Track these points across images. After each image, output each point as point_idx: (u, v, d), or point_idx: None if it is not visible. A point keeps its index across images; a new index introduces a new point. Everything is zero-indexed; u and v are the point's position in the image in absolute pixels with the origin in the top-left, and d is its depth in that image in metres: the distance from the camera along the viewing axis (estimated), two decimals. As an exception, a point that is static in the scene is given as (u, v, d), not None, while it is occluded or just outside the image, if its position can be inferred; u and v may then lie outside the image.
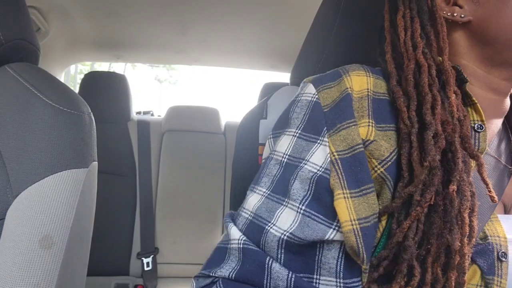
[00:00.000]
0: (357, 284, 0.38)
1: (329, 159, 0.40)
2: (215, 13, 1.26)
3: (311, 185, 0.39)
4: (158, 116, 1.87)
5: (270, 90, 1.44)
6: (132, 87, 1.67)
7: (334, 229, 0.38)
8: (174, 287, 1.53)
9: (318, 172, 0.39)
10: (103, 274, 1.45)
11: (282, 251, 0.38)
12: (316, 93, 0.44)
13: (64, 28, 1.35)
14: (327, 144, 0.40)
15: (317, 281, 0.38)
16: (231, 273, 0.39)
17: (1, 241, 0.47)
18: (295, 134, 0.43)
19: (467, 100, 0.43)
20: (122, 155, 1.58)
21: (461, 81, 0.43)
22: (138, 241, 1.53)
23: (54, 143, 0.50)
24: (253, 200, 0.43)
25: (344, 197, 0.38)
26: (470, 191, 0.37)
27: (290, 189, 0.40)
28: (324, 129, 0.41)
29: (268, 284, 0.38)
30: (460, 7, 0.43)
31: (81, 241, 0.55)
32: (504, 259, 0.40)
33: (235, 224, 0.43)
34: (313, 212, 0.38)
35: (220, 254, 0.42)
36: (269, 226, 0.39)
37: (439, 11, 0.44)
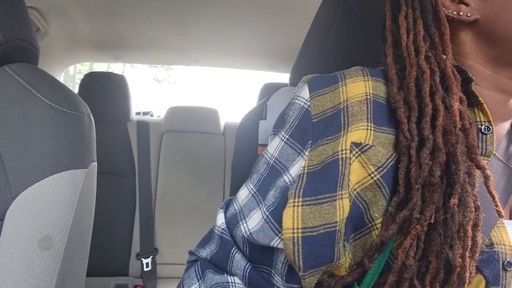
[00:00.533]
0: None
1: (299, 172, 0.41)
2: (215, 13, 1.26)
3: (280, 194, 0.42)
4: (158, 116, 1.87)
5: (269, 90, 1.44)
6: (131, 87, 1.67)
7: (279, 237, 0.40)
8: (174, 287, 1.53)
9: (288, 183, 0.42)
10: (102, 275, 1.45)
11: (247, 246, 0.43)
12: (309, 99, 0.44)
13: (64, 28, 1.35)
14: (305, 158, 0.42)
15: (273, 275, 0.43)
16: (208, 255, 0.46)
17: (0, 241, 0.47)
18: (283, 138, 0.45)
19: (473, 101, 0.42)
20: (122, 156, 1.58)
21: (466, 81, 0.41)
22: (138, 242, 1.53)
23: (53, 144, 0.50)
24: (243, 194, 0.47)
25: (294, 205, 0.39)
26: (474, 203, 0.36)
27: (267, 194, 0.43)
28: (309, 142, 0.42)
29: (230, 270, 0.44)
30: (466, 5, 0.41)
31: (81, 242, 0.55)
32: (509, 269, 0.38)
33: (226, 211, 0.48)
34: (271, 219, 0.41)
35: (210, 235, 0.48)
36: (242, 222, 0.44)
37: (441, 11, 0.42)
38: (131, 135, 1.61)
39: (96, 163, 0.57)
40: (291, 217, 0.39)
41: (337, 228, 0.38)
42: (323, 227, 0.38)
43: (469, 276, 0.35)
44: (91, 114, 0.57)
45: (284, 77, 2.03)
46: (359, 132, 0.40)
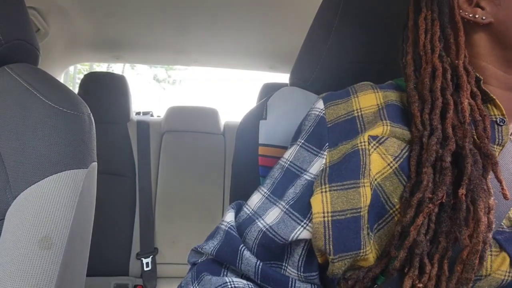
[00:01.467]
0: (314, 276, 0.43)
1: (322, 168, 0.44)
2: (214, 14, 1.26)
3: (302, 189, 0.44)
4: (158, 116, 1.87)
5: (269, 90, 1.44)
6: (131, 87, 1.67)
7: (302, 226, 0.42)
8: (174, 287, 1.53)
9: (310, 180, 0.44)
10: (102, 275, 1.45)
11: (256, 243, 0.44)
12: (323, 109, 0.48)
13: (64, 28, 1.35)
14: (325, 157, 0.44)
15: (285, 268, 0.44)
16: (213, 250, 0.46)
17: (0, 241, 0.47)
18: (298, 143, 0.47)
19: (485, 98, 0.44)
20: (122, 156, 1.58)
21: (477, 80, 0.44)
22: (138, 242, 1.53)
23: (53, 144, 0.50)
24: (255, 199, 0.47)
25: (321, 192, 0.41)
26: (484, 189, 0.38)
27: (285, 193, 0.44)
28: (326, 145, 0.45)
29: (240, 267, 0.44)
30: (482, 8, 0.44)
31: (81, 242, 0.55)
32: None
33: (236, 213, 0.49)
34: (292, 211, 0.43)
35: (215, 232, 0.48)
36: (259, 220, 0.44)
37: (458, 14, 0.44)
38: (131, 135, 1.61)
39: (96, 163, 0.57)
40: (321, 201, 0.41)
41: (362, 213, 0.40)
42: (349, 212, 0.40)
43: (479, 256, 0.37)
44: (91, 114, 0.57)
45: (284, 77, 2.03)
46: (377, 129, 0.43)
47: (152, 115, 1.84)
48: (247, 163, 0.64)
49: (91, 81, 1.57)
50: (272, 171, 0.49)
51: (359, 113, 0.45)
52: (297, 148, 0.47)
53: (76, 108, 0.54)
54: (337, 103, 0.47)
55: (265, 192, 0.47)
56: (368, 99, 0.46)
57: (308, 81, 0.66)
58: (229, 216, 0.48)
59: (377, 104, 0.46)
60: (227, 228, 0.46)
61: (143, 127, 1.65)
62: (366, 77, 0.62)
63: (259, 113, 0.65)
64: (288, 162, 0.47)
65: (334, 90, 0.65)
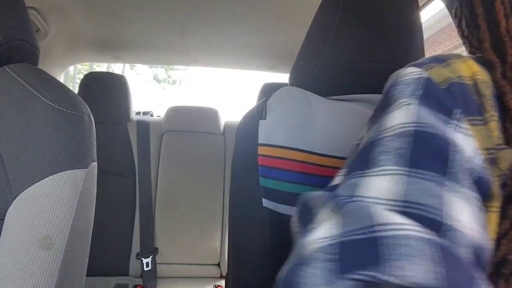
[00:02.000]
0: None
1: (481, 156, 0.31)
2: (214, 14, 1.26)
3: (473, 185, 0.31)
4: (158, 116, 1.87)
5: (269, 90, 1.44)
6: (131, 87, 1.67)
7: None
8: (174, 287, 1.53)
9: (475, 167, 0.31)
10: (102, 275, 1.45)
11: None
12: (422, 70, 0.35)
13: (64, 28, 1.35)
14: (469, 134, 0.32)
15: None
16: (426, 275, 0.23)
17: (0, 241, 0.47)
18: (411, 102, 0.33)
19: None
20: (122, 156, 1.58)
21: None
22: (138, 242, 1.53)
23: (53, 144, 0.50)
24: (379, 183, 0.29)
25: (495, 211, 0.31)
26: None
27: (453, 169, 0.29)
28: (458, 111, 0.32)
29: None
30: None
31: (81, 242, 0.55)
32: None
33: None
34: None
35: (356, 249, 0.26)
36: (451, 221, 0.27)
37: None
38: (131, 135, 1.61)
39: (96, 163, 0.57)
40: (496, 224, 0.31)
41: None
42: None
43: None
44: (91, 114, 0.57)
45: (284, 77, 2.03)
46: (493, 123, 0.33)
47: (152, 115, 1.84)
48: (246, 163, 0.64)
49: (91, 81, 1.57)
50: (380, 146, 0.32)
51: (474, 82, 0.34)
52: (416, 107, 0.32)
53: (76, 108, 0.54)
54: (436, 67, 0.35)
55: (397, 169, 0.29)
56: (467, 67, 0.35)
57: (308, 81, 0.66)
58: (399, 218, 0.26)
59: (479, 77, 0.36)
60: (429, 236, 0.25)
61: (143, 127, 1.65)
62: (366, 77, 0.62)
63: (258, 113, 0.65)
64: (416, 124, 0.31)
65: (334, 89, 0.65)
